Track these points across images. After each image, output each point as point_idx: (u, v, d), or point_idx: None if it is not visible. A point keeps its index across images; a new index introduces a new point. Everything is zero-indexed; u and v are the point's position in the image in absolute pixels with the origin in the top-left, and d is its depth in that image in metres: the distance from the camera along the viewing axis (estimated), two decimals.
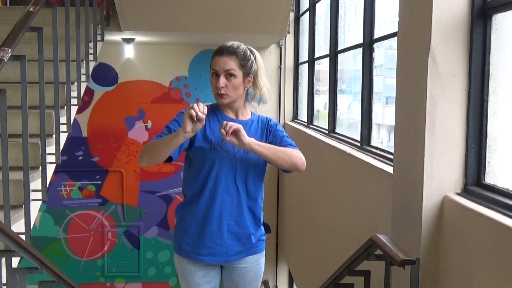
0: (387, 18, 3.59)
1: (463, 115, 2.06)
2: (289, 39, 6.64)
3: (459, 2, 2.02)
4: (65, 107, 3.53)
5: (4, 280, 2.28)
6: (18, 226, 2.70)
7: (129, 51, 6.58)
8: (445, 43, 2.03)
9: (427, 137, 2.06)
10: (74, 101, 3.71)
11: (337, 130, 4.61)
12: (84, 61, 4.17)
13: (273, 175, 6.70)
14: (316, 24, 5.68)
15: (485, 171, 2.04)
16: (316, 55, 5.67)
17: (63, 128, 3.46)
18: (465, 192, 2.06)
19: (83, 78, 4.10)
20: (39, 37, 2.92)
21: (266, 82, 2.40)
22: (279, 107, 6.79)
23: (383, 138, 4.26)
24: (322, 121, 5.44)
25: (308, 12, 5.84)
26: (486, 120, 2.02)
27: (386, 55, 3.95)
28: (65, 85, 3.53)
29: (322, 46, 5.52)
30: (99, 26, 4.78)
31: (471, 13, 2.02)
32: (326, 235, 4.29)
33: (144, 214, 6.91)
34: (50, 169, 3.25)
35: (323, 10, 5.49)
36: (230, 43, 2.32)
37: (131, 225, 6.92)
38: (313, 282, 4.38)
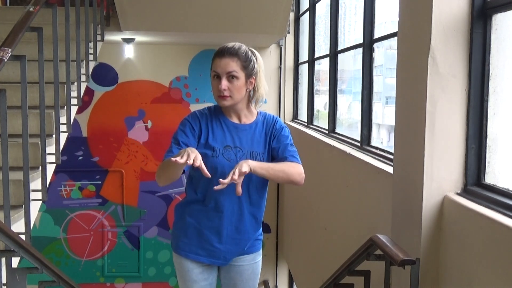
0: (387, 18, 3.59)
1: (463, 115, 2.06)
2: (289, 39, 6.64)
3: (459, 2, 2.02)
4: (65, 107, 3.53)
5: (4, 280, 2.28)
6: (18, 226, 2.70)
7: (129, 51, 6.58)
8: (445, 43, 2.03)
9: (427, 137, 2.06)
10: (74, 101, 3.71)
11: (337, 130, 4.61)
12: (84, 61, 4.17)
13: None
14: (316, 24, 5.68)
15: (485, 171, 2.04)
16: (316, 55, 5.67)
17: (63, 128, 3.46)
18: (465, 192, 2.06)
19: (83, 78, 4.10)
20: (39, 37, 2.92)
21: (265, 83, 2.36)
22: (279, 107, 6.79)
23: (383, 138, 4.26)
24: (322, 121, 5.44)
25: (308, 12, 5.84)
26: (486, 120, 2.02)
27: (386, 55, 3.95)
28: (65, 85, 3.53)
29: (322, 46, 5.52)
30: (99, 26, 4.78)
31: (471, 13, 2.02)
32: (326, 235, 4.29)
33: (144, 214, 6.90)
34: (50, 169, 3.25)
35: (323, 10, 5.49)
36: (231, 44, 2.27)
37: (131, 225, 6.92)
38: (313, 282, 4.38)
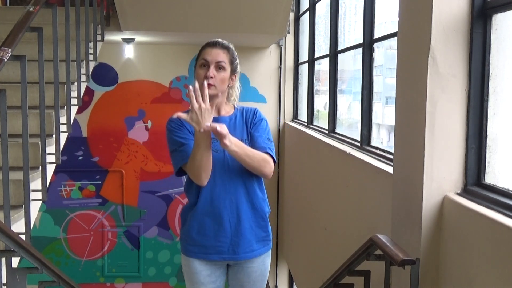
0: (387, 18, 3.59)
1: (463, 115, 2.06)
2: (289, 39, 6.64)
3: (459, 2, 2.02)
4: (65, 107, 3.53)
5: (4, 280, 2.28)
6: (18, 226, 2.70)
7: (129, 51, 6.58)
8: (445, 43, 2.03)
9: (427, 137, 2.06)
10: (74, 101, 3.71)
11: (337, 130, 4.61)
12: (84, 61, 4.17)
13: (273, 176, 6.67)
14: (316, 24, 5.69)
15: (485, 171, 2.04)
16: (316, 55, 5.68)
17: (63, 128, 3.46)
18: (465, 192, 2.06)
19: (83, 78, 4.10)
20: (39, 37, 2.92)
21: (237, 88, 2.43)
22: (279, 107, 6.79)
23: (383, 138, 4.26)
24: (322, 121, 5.44)
25: (308, 12, 5.84)
26: (486, 120, 2.02)
27: (386, 55, 3.95)
28: (65, 85, 3.53)
29: (322, 46, 5.52)
30: (99, 26, 4.78)
31: (471, 13, 2.02)
32: (326, 235, 4.29)
33: (144, 214, 6.91)
34: (50, 169, 3.25)
35: (323, 10, 5.49)
36: (221, 39, 2.37)
37: (131, 225, 6.92)
38: (313, 282, 4.38)
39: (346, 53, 4.48)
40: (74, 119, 4.20)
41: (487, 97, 2.01)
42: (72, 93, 3.64)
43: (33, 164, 2.95)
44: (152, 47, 6.66)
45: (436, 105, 2.05)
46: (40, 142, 2.99)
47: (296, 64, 6.67)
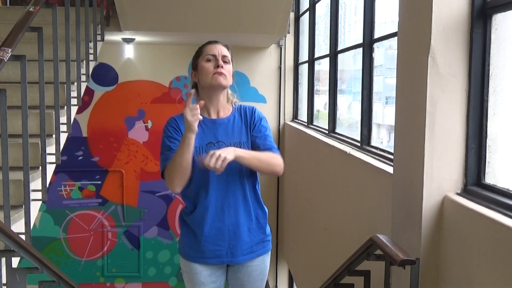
0: (387, 18, 3.59)
1: (463, 115, 2.06)
2: (289, 39, 6.64)
3: (459, 2, 2.02)
4: (65, 107, 3.53)
5: (4, 280, 2.28)
6: (18, 226, 2.70)
7: (129, 51, 6.58)
8: (445, 43, 2.03)
9: (427, 137, 2.06)
10: (74, 101, 3.71)
11: (337, 130, 4.61)
12: (84, 61, 4.17)
13: (273, 176, 6.68)
14: (316, 24, 5.69)
15: (485, 171, 2.04)
16: (316, 55, 5.67)
17: (63, 128, 3.46)
18: (465, 192, 2.06)
19: (83, 78, 4.10)
20: (39, 37, 2.92)
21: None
22: (279, 107, 6.79)
23: (383, 138, 4.26)
24: (322, 121, 5.44)
25: (308, 12, 5.84)
26: (486, 120, 2.02)
27: (386, 55, 3.95)
28: (65, 85, 3.53)
29: (322, 46, 5.52)
30: (99, 26, 4.78)
31: (471, 13, 2.02)
32: (326, 235, 4.29)
33: (144, 214, 6.90)
34: (50, 169, 3.25)
35: (323, 10, 5.49)
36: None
37: (131, 225, 6.92)
38: (313, 282, 4.38)
39: (346, 53, 4.48)
40: (74, 119, 4.19)
41: (487, 97, 2.01)
42: (72, 93, 3.63)
43: (33, 164, 2.95)
44: (152, 47, 6.66)
45: (436, 105, 2.05)
46: (40, 142, 2.99)
47: (296, 64, 6.67)
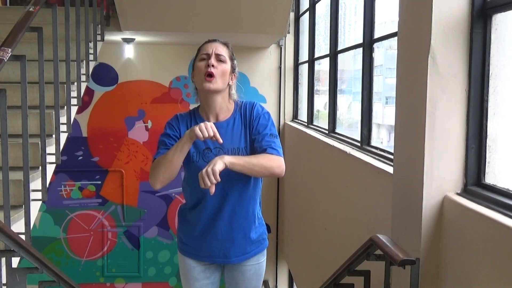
0: (387, 18, 3.59)
1: (463, 115, 2.06)
2: (289, 39, 6.64)
3: (459, 2, 2.02)
4: (65, 107, 3.53)
5: (4, 280, 2.28)
6: (18, 226, 2.70)
7: (129, 51, 6.58)
8: (445, 43, 2.03)
9: (427, 137, 2.06)
10: (74, 101, 3.71)
11: (337, 130, 4.61)
12: (84, 61, 4.17)
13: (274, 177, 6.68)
14: (316, 24, 5.68)
15: (485, 171, 2.04)
16: (316, 55, 5.67)
17: (63, 128, 3.46)
18: (465, 192, 2.06)
19: (83, 78, 4.10)
20: (39, 37, 2.92)
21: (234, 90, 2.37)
22: (279, 107, 6.79)
23: (383, 138, 4.26)
24: (322, 121, 5.44)
25: (308, 12, 5.84)
26: (486, 120, 2.02)
27: (386, 55, 3.95)
28: (65, 85, 3.53)
29: (322, 46, 5.52)
30: (99, 26, 4.78)
31: (471, 13, 2.02)
32: (326, 235, 4.29)
33: (144, 214, 6.91)
34: (50, 169, 3.25)
35: (323, 10, 5.49)
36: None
37: (131, 225, 6.92)
38: (313, 282, 4.38)
39: (346, 53, 4.48)
40: (74, 119, 4.20)
41: (487, 97, 2.01)
42: (72, 93, 3.63)
43: (33, 164, 2.95)
44: (152, 47, 6.66)
45: (436, 105, 2.05)
46: (40, 142, 2.99)
47: (296, 64, 6.67)
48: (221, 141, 2.08)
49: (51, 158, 3.16)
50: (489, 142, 2.03)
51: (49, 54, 3.27)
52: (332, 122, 4.64)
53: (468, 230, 1.90)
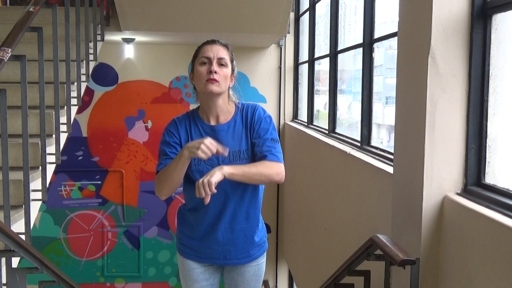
0: (387, 18, 3.59)
1: (463, 115, 2.06)
2: (289, 39, 6.64)
3: (459, 2, 2.02)
4: (65, 107, 3.53)
5: (4, 280, 2.28)
6: (18, 226, 2.70)
7: (129, 51, 6.58)
8: (445, 43, 2.03)
9: (427, 137, 2.06)
10: (74, 101, 3.71)
11: (337, 130, 4.61)
12: (84, 61, 4.17)
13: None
14: (316, 24, 5.69)
15: (485, 171, 2.04)
16: (316, 55, 5.67)
17: (63, 128, 3.46)
18: (465, 192, 2.06)
19: (83, 78, 4.10)
20: (39, 37, 2.92)
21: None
22: (279, 107, 6.79)
23: (383, 138, 4.26)
24: (322, 121, 5.44)
25: (308, 12, 5.84)
26: (486, 120, 2.02)
27: (386, 55, 3.95)
28: (65, 85, 3.53)
29: (322, 46, 5.52)
30: (99, 26, 4.78)
31: (471, 13, 2.02)
32: (326, 235, 4.29)
33: (144, 214, 6.91)
34: (50, 169, 3.25)
35: (323, 10, 5.49)
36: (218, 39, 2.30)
37: (131, 225, 6.92)
38: (313, 282, 4.39)
39: (346, 53, 4.48)
40: (74, 119, 4.20)
41: (487, 97, 2.01)
42: (72, 93, 3.63)
43: (33, 164, 2.95)
44: (152, 47, 6.66)
45: (436, 105, 2.05)
46: (40, 142, 2.99)
47: (296, 64, 6.67)
48: (226, 154, 2.07)
49: (51, 158, 3.16)
50: (489, 142, 2.03)
51: (49, 54, 3.28)
52: (332, 122, 4.64)
53: (468, 230, 1.90)
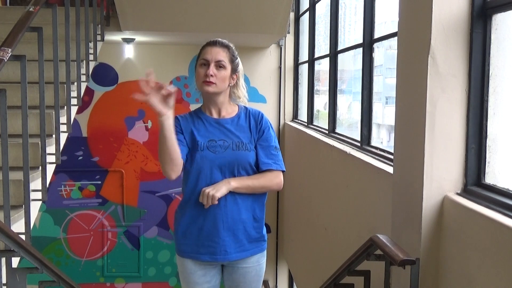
0: (387, 18, 3.59)
1: (463, 115, 2.06)
2: (289, 39, 6.64)
3: (459, 2, 2.02)
4: (65, 107, 3.53)
5: (4, 280, 2.28)
6: (18, 226, 2.70)
7: (129, 51, 6.58)
8: (445, 43, 2.03)
9: (427, 137, 2.06)
10: (74, 101, 3.71)
11: (337, 130, 4.61)
12: (84, 61, 4.17)
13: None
14: (316, 24, 5.69)
15: (485, 171, 2.04)
16: (316, 55, 5.67)
17: (63, 128, 3.46)
18: (465, 192, 2.06)
19: (83, 78, 4.10)
20: (39, 37, 2.92)
21: (242, 88, 2.45)
22: (279, 107, 6.79)
23: (383, 138, 4.26)
24: (322, 121, 5.44)
25: (308, 12, 5.85)
26: (486, 120, 2.02)
27: (386, 55, 3.95)
28: (65, 85, 3.53)
29: (322, 46, 5.52)
30: (99, 26, 4.78)
31: (471, 13, 2.02)
32: (326, 235, 4.29)
33: (144, 214, 6.91)
34: (50, 169, 3.25)
35: (323, 10, 5.49)
36: (221, 39, 2.39)
37: (131, 225, 6.92)
38: (313, 282, 4.39)
39: (346, 53, 4.48)
40: (74, 119, 4.20)
41: (487, 97, 2.01)
42: (72, 93, 3.63)
43: (33, 164, 2.95)
44: (152, 47, 6.66)
45: (436, 105, 2.05)
46: (40, 142, 2.99)
47: (296, 64, 6.67)
48: (171, 89, 2.08)
49: (51, 158, 3.16)
50: (489, 142, 2.03)
51: (49, 54, 3.28)
52: (332, 122, 4.64)
53: (468, 230, 1.90)
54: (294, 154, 5.84)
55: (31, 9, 2.86)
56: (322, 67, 5.58)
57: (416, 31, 2.19)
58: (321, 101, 5.69)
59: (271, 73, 6.74)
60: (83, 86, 4.12)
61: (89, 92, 6.57)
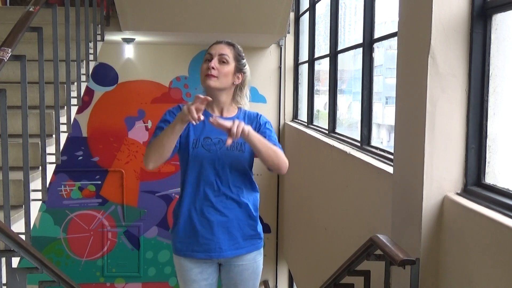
0: (387, 18, 3.59)
1: (463, 115, 2.06)
2: (289, 39, 6.64)
3: (459, 2, 2.02)
4: (65, 107, 3.53)
5: (4, 280, 2.28)
6: (18, 226, 2.70)
7: (129, 51, 6.58)
8: (445, 43, 2.03)
9: (427, 137, 2.06)
10: (74, 101, 3.71)
11: (337, 130, 4.61)
12: (84, 61, 4.17)
13: (273, 176, 6.69)
14: (316, 24, 5.69)
15: (485, 171, 2.04)
16: (316, 55, 5.67)
17: (63, 128, 3.46)
18: (465, 192, 2.06)
19: (83, 78, 4.10)
20: (39, 37, 2.92)
21: (247, 91, 2.46)
22: (279, 107, 6.79)
23: (383, 138, 4.26)
24: (322, 121, 5.44)
25: (308, 12, 5.84)
26: (486, 120, 2.02)
27: (386, 55, 3.95)
28: (65, 85, 3.53)
29: (322, 46, 5.52)
30: (99, 26, 4.78)
31: (471, 13, 2.02)
32: (326, 235, 4.29)
33: (144, 214, 6.91)
34: (50, 169, 3.25)
35: (323, 10, 5.49)
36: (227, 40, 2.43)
37: (131, 225, 6.92)
38: (313, 282, 4.39)
39: (346, 53, 4.48)
40: (74, 119, 4.19)
41: (487, 97, 2.01)
42: (72, 93, 3.63)
43: (33, 164, 2.95)
44: (152, 47, 6.66)
45: (436, 105, 2.05)
46: (40, 142, 2.99)
47: (296, 64, 6.67)
48: (210, 98, 2.11)
49: (51, 158, 3.16)
50: (489, 142, 2.03)
51: (49, 54, 3.27)
52: (332, 122, 4.64)
53: (468, 230, 1.90)
54: (294, 154, 5.84)
55: (31, 9, 2.86)
56: (322, 67, 5.58)
57: (416, 31, 2.19)
58: (321, 101, 5.69)
59: (271, 73, 6.74)
60: (83, 86, 4.12)
61: (89, 92, 6.56)
